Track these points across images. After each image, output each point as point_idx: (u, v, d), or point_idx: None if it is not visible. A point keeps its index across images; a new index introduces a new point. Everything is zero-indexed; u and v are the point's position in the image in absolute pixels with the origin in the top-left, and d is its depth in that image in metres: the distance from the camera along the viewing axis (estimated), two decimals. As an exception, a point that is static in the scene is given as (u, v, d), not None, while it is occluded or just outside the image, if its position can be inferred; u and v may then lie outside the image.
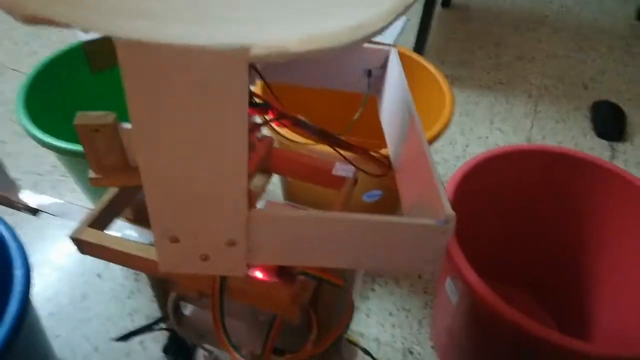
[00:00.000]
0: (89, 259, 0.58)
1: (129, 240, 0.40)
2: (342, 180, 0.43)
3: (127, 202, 0.44)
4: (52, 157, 0.92)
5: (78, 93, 0.81)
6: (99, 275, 0.82)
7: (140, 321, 0.77)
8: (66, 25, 0.21)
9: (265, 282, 0.37)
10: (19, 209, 0.72)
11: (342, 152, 0.41)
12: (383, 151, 0.42)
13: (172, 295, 0.44)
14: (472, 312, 0.56)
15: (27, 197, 0.78)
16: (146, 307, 0.79)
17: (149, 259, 0.38)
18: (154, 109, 0.24)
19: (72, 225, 0.40)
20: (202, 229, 0.30)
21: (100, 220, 0.42)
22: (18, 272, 0.49)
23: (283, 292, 0.37)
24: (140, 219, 0.48)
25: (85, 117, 0.33)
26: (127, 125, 0.34)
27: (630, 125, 1.25)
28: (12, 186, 0.81)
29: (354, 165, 0.44)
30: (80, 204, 0.85)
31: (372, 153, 0.42)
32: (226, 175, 0.27)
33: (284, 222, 0.30)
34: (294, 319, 0.38)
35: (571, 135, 1.21)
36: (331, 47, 0.21)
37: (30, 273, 0.50)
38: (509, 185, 0.66)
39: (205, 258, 0.32)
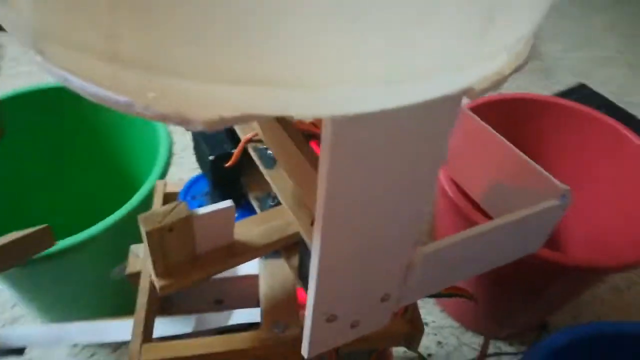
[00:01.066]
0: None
1: (190, 339, 0.33)
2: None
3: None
4: None
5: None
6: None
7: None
8: (264, 117, 0.16)
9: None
10: None
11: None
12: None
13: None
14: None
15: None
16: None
17: (238, 349, 0.33)
18: (352, 177, 0.19)
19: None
20: (363, 296, 0.26)
21: (148, 327, 0.34)
22: None
23: (401, 323, 0.34)
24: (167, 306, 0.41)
25: (152, 219, 0.26)
26: (200, 210, 0.28)
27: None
28: None
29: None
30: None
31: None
32: (409, 229, 0.23)
33: (444, 251, 0.27)
34: (416, 343, 0.35)
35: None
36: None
37: None
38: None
39: (355, 324, 0.28)
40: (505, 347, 0.68)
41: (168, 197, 0.42)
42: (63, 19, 0.14)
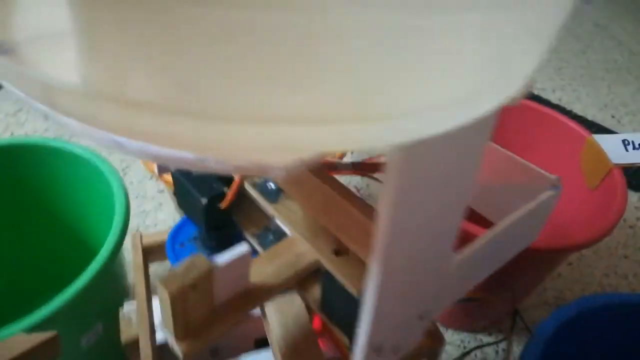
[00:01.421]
0: None
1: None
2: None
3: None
4: None
5: None
6: None
7: None
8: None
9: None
10: None
11: (374, 175, 0.39)
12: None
13: None
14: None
15: None
16: None
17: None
18: (412, 200, 0.19)
19: None
20: (405, 318, 0.25)
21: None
22: None
23: (423, 338, 0.34)
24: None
25: (173, 280, 0.24)
26: (220, 261, 0.26)
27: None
28: None
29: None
30: None
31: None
32: (448, 242, 0.23)
33: (471, 256, 0.27)
34: (439, 356, 0.35)
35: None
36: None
37: None
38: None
39: (397, 349, 0.27)
40: (485, 338, 0.69)
41: (149, 250, 0.39)
42: (126, 75, 0.12)
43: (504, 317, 0.72)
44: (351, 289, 0.26)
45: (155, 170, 0.49)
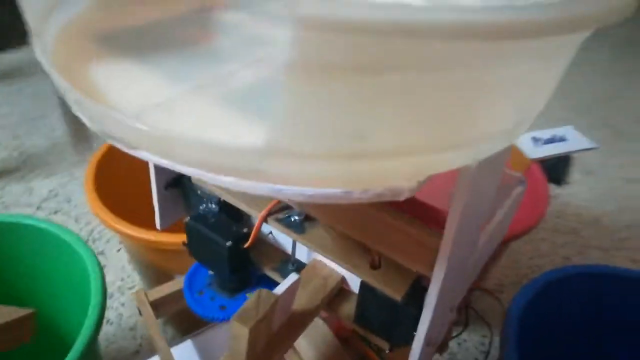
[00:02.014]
0: None
1: None
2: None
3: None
4: None
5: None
6: None
7: None
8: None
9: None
10: None
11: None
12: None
13: None
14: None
15: None
16: None
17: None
18: (474, 204, 0.23)
19: None
20: (446, 312, 0.29)
21: None
22: None
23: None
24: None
25: (247, 316, 0.26)
26: (280, 290, 0.28)
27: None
28: None
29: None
30: None
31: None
32: (479, 234, 0.28)
33: (482, 246, 0.32)
34: (446, 347, 0.39)
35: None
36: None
37: None
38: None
39: (436, 341, 0.31)
40: (448, 333, 0.76)
41: (158, 303, 0.39)
42: (308, 133, 0.15)
43: (461, 307, 0.78)
44: (394, 295, 0.30)
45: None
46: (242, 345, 0.27)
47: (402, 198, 0.18)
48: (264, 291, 0.27)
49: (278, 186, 0.17)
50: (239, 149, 0.16)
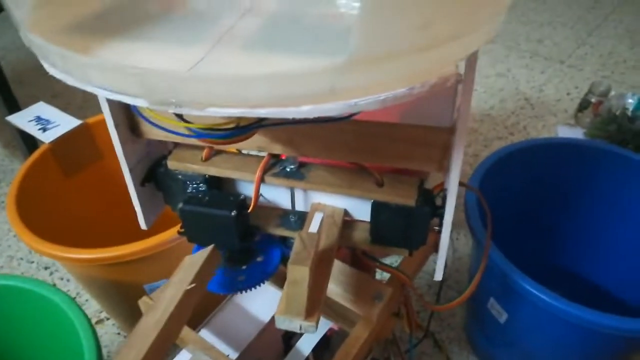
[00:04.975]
0: None
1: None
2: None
3: None
4: None
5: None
6: None
7: None
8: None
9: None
10: None
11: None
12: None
13: None
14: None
15: None
16: None
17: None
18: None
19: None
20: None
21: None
22: None
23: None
24: None
25: (301, 257, 0.27)
26: (314, 227, 0.29)
27: None
28: None
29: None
30: None
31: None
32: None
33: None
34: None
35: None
36: None
37: None
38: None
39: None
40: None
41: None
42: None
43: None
44: (408, 202, 0.32)
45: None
46: (303, 287, 0.28)
47: (449, 84, 0.20)
48: (304, 233, 0.28)
49: (353, 101, 0.18)
50: (314, 73, 0.17)
